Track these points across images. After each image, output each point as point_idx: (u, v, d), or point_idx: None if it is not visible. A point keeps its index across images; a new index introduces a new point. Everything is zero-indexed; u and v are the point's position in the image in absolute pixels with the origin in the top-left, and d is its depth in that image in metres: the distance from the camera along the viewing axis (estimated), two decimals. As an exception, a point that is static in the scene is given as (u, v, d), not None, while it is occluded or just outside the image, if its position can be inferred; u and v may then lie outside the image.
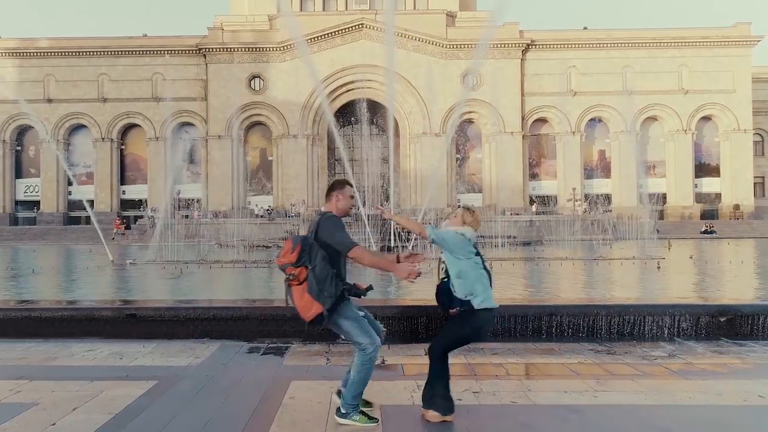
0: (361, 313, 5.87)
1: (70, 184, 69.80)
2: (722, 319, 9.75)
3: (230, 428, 5.64)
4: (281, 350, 8.91)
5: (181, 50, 68.89)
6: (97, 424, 5.73)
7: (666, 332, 9.48)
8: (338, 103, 68.67)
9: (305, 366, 8.02)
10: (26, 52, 68.79)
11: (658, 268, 19.26)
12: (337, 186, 6.04)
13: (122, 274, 20.15)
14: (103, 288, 15.88)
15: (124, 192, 70.35)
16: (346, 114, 68.57)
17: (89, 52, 68.71)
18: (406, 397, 6.44)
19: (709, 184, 70.58)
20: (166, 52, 67.16)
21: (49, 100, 68.65)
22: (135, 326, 10.11)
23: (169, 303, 11.53)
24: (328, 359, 8.37)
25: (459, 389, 6.44)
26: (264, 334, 9.81)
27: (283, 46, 68.23)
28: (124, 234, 53.53)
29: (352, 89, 67.89)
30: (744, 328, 9.70)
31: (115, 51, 68.78)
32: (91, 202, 70.93)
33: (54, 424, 5.74)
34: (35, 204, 70.34)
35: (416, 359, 7.95)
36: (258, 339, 9.65)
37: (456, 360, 7.33)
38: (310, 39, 66.97)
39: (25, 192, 70.56)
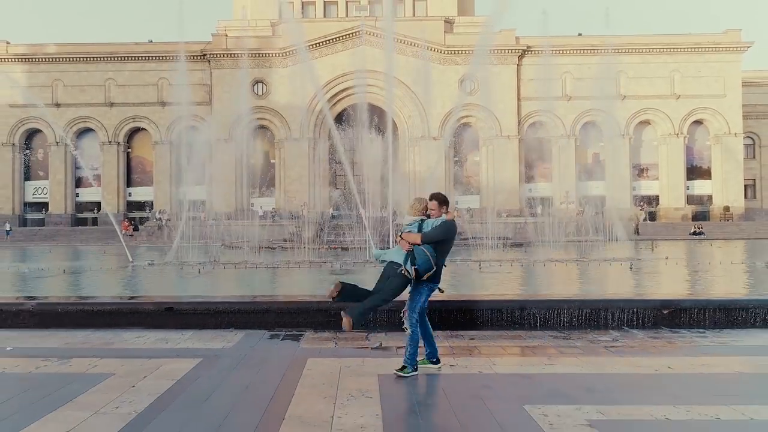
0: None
1: (77, 186, 71.83)
2: (665, 312, 11.66)
3: (266, 390, 7.55)
4: (297, 337, 10.83)
5: (186, 56, 70.78)
6: (166, 386, 7.64)
7: (616, 322, 11.40)
8: (339, 107, 70.67)
9: (318, 348, 9.93)
10: (35, 58, 70.76)
11: (631, 268, 21.25)
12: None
13: (145, 273, 22.07)
14: (135, 286, 17.81)
15: (130, 194, 72.35)
16: (347, 117, 70.45)
17: (96, 57, 70.71)
18: (398, 364, 8.35)
19: (700, 187, 72.58)
20: (172, 58, 69.05)
21: (57, 105, 70.63)
22: (171, 318, 12.01)
23: (200, 298, 13.42)
24: (335, 343, 10.28)
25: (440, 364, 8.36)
26: (281, 324, 11.70)
27: (285, 52, 70.21)
28: (132, 235, 55.49)
29: (353, 94, 69.78)
30: (683, 319, 11.60)
31: (121, 57, 70.77)
32: (98, 204, 73.10)
33: (134, 386, 7.65)
34: (43, 206, 72.31)
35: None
36: (276, 329, 11.54)
37: (441, 344, 9.24)
38: (312, 45, 68.94)
39: (33, 194, 72.57)
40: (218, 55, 70.08)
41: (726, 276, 20.77)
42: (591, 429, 5.98)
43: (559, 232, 38.71)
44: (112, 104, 70.88)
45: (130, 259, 25.95)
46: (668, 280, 19.03)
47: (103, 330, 11.59)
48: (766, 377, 8.03)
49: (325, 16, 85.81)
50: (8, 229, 60.17)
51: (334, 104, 70.48)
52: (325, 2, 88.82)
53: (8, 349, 9.98)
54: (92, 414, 6.58)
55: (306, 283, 18.94)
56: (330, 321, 11.49)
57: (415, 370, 8.00)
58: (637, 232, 56.26)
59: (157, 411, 6.70)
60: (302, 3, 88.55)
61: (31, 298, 14.48)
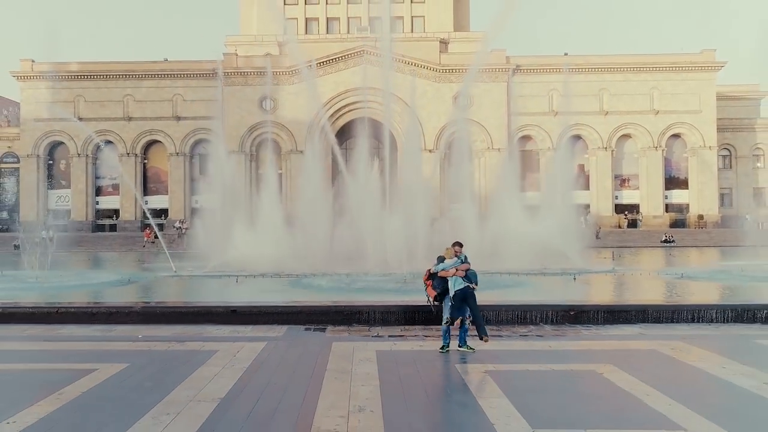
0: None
1: (97, 194, 77.54)
2: (571, 313, 17.33)
3: (312, 358, 13.18)
4: (323, 329, 16.49)
5: (199, 74, 76.56)
6: (253, 356, 13.25)
7: (536, 320, 17.06)
8: (342, 122, 76.34)
9: (338, 336, 15.60)
10: (58, 76, 76.32)
11: (574, 279, 26.92)
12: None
13: (192, 282, 27.71)
14: (195, 292, 23.43)
15: (146, 202, 77.95)
16: (349, 131, 76.08)
17: (115, 75, 76.32)
18: (389, 346, 14.02)
19: (678, 196, 78.30)
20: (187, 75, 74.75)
21: (79, 119, 76.24)
22: (235, 317, 17.66)
23: (254, 303, 19.02)
24: (348, 333, 15.95)
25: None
26: (310, 321, 17.35)
27: (292, 71, 75.78)
28: (153, 242, 61.01)
29: (355, 109, 75.48)
30: (583, 318, 17.27)
31: (138, 74, 76.40)
32: (116, 211, 78.83)
33: (234, 356, 13.30)
34: (65, 213, 77.95)
35: (396, 331, 15.55)
36: (307, 324, 17.19)
37: (412, 333, 14.88)
38: (316, 64, 74.51)
39: (56, 202, 78.22)
40: (229, 74, 75.67)
41: (637, 285, 26.64)
42: (484, 374, 11.64)
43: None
44: (130, 118, 76.53)
45: (174, 269, 31.57)
46: (596, 287, 24.74)
47: (191, 325, 17.23)
48: (604, 351, 13.68)
49: (328, 32, 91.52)
50: (51, 236, 65.65)
51: (337, 118, 76.13)
52: (327, 18, 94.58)
53: (140, 336, 15.65)
54: (221, 368, 12.23)
55: (324, 290, 24.54)
56: (343, 319, 17.21)
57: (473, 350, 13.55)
58: (597, 237, 61.41)
59: (255, 368, 12.35)
60: (306, 19, 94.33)
61: (146, 302, 20.14)
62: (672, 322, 16.84)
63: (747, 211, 76.02)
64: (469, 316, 13.77)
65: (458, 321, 13.68)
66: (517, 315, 17.08)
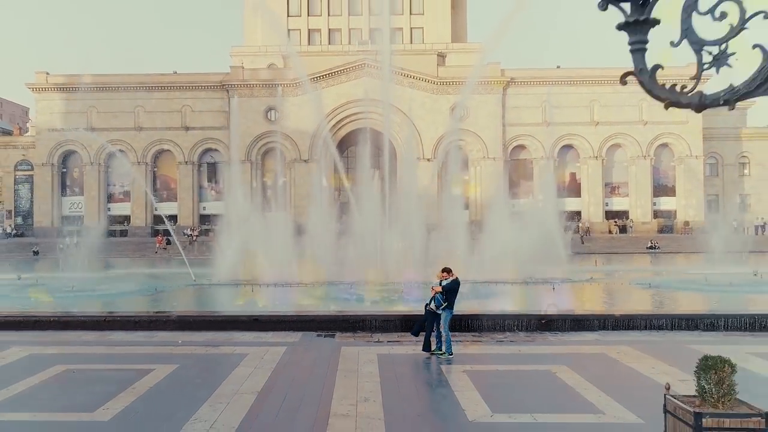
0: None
1: (108, 201, 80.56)
2: (542, 321, 20.34)
3: (325, 361, 16.17)
4: (332, 336, 19.49)
5: (207, 86, 79.60)
6: (277, 359, 16.26)
7: (513, 328, 20.04)
8: (344, 132, 79.38)
9: (345, 341, 18.60)
10: (72, 87, 79.37)
11: (553, 289, 29.95)
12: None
13: (212, 291, 30.71)
14: (214, 301, 26.44)
15: (156, 209, 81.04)
16: (351, 140, 79.08)
17: (127, 87, 79.35)
18: (387, 350, 17.01)
19: (666, 203, 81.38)
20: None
21: (92, 129, 79.31)
22: (256, 324, 20.65)
23: (273, 312, 22.01)
24: (354, 338, 18.95)
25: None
26: (321, 328, 20.34)
27: (296, 83, 78.80)
28: (165, 248, 64.02)
29: (356, 119, 78.48)
30: (554, 325, 20.25)
31: (149, 86, 79.42)
32: (128, 218, 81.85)
33: (262, 358, 16.30)
34: (78, 219, 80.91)
35: (394, 337, 18.55)
36: (318, 331, 20.18)
37: (392, 338, 17.87)
38: (319, 77, 77.60)
39: (69, 208, 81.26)
40: (236, 86, 78.71)
41: (608, 294, 29.74)
42: (462, 373, 14.64)
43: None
44: (140, 128, 79.56)
45: (193, 278, 34.58)
46: (568, 297, 27.78)
47: (220, 331, 20.23)
48: (562, 355, 16.67)
49: (329, 43, 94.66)
50: (76, 242, 68.55)
51: (339, 128, 79.16)
52: (329, 30, 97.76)
53: (179, 342, 18.65)
54: (253, 369, 15.24)
55: (329, 298, 27.56)
56: (349, 326, 20.20)
57: (451, 354, 16.40)
58: (582, 243, 64.42)
59: (280, 368, 15.35)
60: (308, 30, 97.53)
61: (181, 312, 23.15)
62: (627, 329, 19.84)
63: (733, 217, 79.06)
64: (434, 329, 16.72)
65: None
66: (497, 323, 20.09)
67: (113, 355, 17.14)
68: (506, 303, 25.53)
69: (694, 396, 8.94)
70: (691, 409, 8.60)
